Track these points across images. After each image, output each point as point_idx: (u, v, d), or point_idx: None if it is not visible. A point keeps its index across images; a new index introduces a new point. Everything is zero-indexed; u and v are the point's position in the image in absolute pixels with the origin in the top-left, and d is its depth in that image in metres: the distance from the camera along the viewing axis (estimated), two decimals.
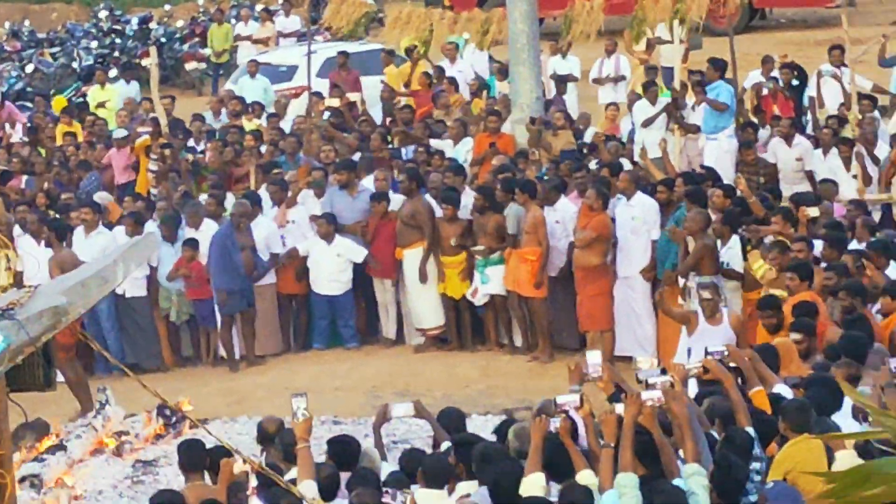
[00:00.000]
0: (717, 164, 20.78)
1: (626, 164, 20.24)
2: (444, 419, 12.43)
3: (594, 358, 11.61)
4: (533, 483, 10.40)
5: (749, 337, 15.01)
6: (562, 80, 25.93)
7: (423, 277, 19.44)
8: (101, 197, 21.41)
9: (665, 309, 16.60)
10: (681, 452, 10.51)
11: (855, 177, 19.86)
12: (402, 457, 12.05)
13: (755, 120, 22.28)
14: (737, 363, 12.13)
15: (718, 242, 17.02)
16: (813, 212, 17.20)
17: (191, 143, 24.02)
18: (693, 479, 10.14)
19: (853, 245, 16.26)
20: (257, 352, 19.91)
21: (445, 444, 11.78)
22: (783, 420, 10.95)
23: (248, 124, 24.75)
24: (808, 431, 10.64)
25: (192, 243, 19.60)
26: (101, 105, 28.15)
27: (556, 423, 10.64)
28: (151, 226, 19.73)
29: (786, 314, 14.24)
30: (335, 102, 24.44)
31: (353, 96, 25.81)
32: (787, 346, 13.33)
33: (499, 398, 17.65)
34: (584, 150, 21.37)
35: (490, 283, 19.10)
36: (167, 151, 22.16)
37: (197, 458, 11.88)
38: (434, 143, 22.41)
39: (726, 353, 12.15)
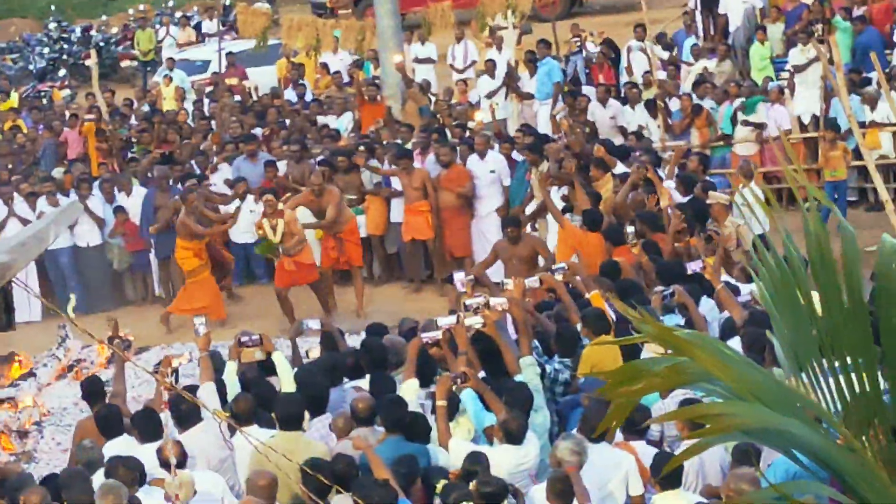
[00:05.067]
0: (548, 122, 20.82)
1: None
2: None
3: (459, 275, 11.83)
4: (408, 387, 10.33)
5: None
6: (421, 63, 25.74)
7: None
8: (57, 172, 21.14)
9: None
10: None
11: (659, 126, 19.98)
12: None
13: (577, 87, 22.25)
14: (577, 274, 12.31)
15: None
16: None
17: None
18: (528, 368, 10.13)
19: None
20: None
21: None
22: (584, 326, 10.91)
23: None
24: (607, 334, 10.64)
25: (121, 209, 19.28)
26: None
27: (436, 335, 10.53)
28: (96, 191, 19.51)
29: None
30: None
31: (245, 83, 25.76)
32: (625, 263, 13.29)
33: (381, 317, 17.51)
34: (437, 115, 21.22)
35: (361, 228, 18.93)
36: (108, 134, 21.95)
37: (97, 392, 11.42)
38: (320, 118, 22.19)
39: (566, 268, 12.24)
